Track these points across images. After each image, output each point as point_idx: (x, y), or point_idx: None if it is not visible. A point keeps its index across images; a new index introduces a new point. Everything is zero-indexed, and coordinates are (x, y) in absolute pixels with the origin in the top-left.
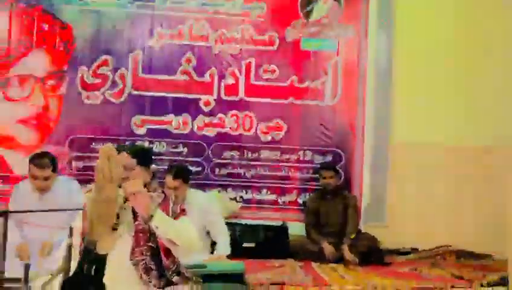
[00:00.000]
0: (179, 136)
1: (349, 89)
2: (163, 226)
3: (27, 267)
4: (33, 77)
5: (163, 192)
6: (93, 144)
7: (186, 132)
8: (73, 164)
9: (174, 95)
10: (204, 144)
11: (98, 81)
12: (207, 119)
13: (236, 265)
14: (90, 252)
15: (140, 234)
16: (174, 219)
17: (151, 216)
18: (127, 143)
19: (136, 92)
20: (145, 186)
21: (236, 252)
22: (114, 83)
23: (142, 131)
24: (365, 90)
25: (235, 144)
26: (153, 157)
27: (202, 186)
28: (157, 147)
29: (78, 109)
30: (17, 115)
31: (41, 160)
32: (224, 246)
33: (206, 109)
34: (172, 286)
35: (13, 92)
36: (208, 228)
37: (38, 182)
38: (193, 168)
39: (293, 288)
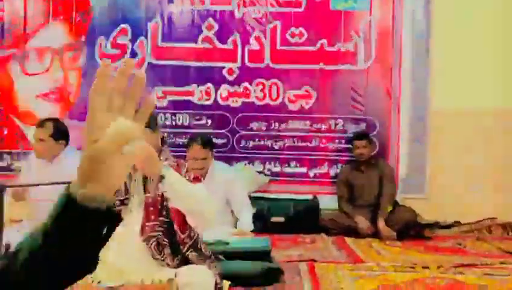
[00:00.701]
0: (202, 108)
1: (384, 51)
2: (174, 188)
3: (7, 247)
4: (51, 49)
5: (175, 162)
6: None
7: (209, 102)
8: None
9: (196, 64)
10: (229, 115)
11: (116, 51)
12: (231, 89)
13: (262, 241)
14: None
15: (151, 208)
16: None
17: (162, 177)
18: None
19: (156, 62)
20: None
21: (265, 227)
22: (133, 53)
23: (163, 103)
24: (401, 52)
25: (261, 114)
26: (158, 120)
27: (228, 160)
28: (180, 120)
29: None
30: (37, 89)
31: (42, 121)
32: (246, 222)
33: (230, 78)
34: (188, 265)
35: (32, 66)
36: (231, 202)
37: (33, 143)
38: (218, 141)
39: (324, 265)
